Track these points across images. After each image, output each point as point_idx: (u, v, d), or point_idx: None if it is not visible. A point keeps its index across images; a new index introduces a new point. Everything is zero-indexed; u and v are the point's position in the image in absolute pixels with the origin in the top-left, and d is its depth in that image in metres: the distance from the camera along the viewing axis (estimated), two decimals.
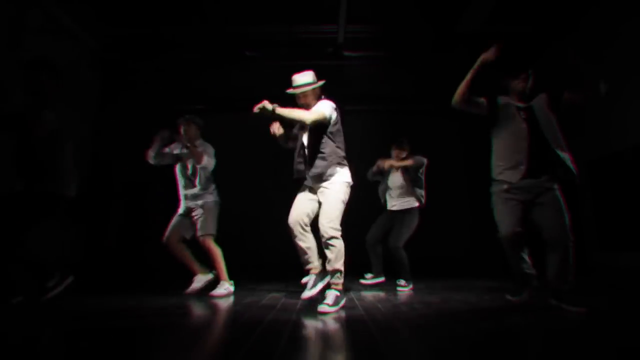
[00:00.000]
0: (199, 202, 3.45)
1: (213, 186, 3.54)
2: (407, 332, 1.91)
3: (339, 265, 2.58)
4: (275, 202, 3.86)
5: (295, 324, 2.06)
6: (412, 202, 3.84)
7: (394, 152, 3.96)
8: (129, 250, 5.66)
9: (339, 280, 2.58)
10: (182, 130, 3.57)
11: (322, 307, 2.38)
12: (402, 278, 3.68)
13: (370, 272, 3.97)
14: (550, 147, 2.44)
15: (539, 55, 5.69)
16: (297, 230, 2.73)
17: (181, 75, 6.13)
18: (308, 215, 2.76)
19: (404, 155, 3.93)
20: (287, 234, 2.80)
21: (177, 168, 3.61)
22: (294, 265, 3.33)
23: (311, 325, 2.09)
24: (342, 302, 2.52)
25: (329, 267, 2.60)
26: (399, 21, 5.46)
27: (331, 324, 2.11)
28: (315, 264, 2.79)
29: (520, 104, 2.58)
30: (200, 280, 3.41)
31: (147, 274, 5.29)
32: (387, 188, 3.97)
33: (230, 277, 3.40)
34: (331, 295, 2.48)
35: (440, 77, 6.15)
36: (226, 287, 3.31)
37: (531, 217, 2.51)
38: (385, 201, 3.99)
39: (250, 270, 4.40)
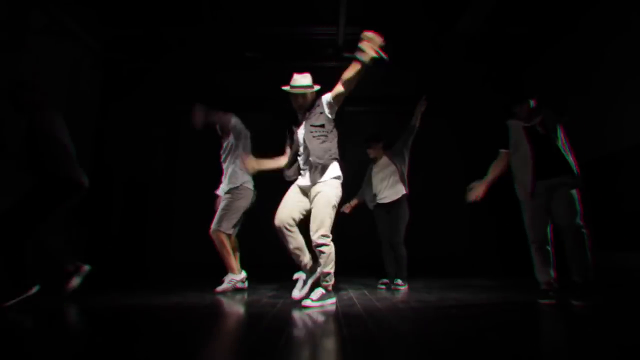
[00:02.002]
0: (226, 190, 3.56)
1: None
2: (404, 329, 1.95)
3: (329, 267, 2.65)
4: (276, 202, 3.89)
5: (295, 322, 2.11)
6: (401, 190, 3.86)
7: (370, 150, 4.01)
8: (130, 249, 5.70)
9: (327, 282, 2.66)
10: (218, 129, 3.66)
11: (305, 301, 2.50)
12: (399, 277, 3.70)
13: (386, 277, 3.86)
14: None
15: (539, 56, 5.75)
16: (283, 231, 2.72)
17: (182, 76, 6.17)
18: (296, 216, 2.76)
19: (379, 148, 3.99)
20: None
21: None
22: (293, 265, 3.38)
23: (311, 323, 2.14)
24: (328, 301, 2.60)
25: (319, 272, 2.69)
26: (399, 22, 5.50)
27: (330, 321, 2.15)
28: (305, 261, 2.78)
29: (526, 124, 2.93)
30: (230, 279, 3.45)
31: (148, 273, 5.34)
32: (372, 186, 3.97)
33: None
34: (318, 292, 2.60)
35: (440, 78, 6.22)
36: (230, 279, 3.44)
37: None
38: (374, 200, 3.99)
39: (252, 270, 4.43)
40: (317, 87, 2.85)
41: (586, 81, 4.84)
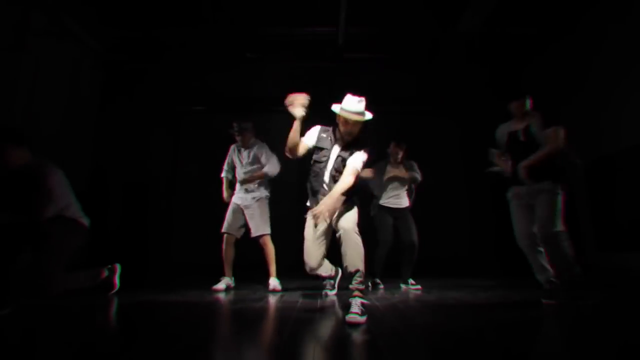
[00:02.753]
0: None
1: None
2: (404, 329, 1.95)
3: (361, 264, 2.38)
4: (277, 202, 3.90)
5: (295, 321, 2.11)
6: (407, 201, 3.99)
7: (392, 148, 3.99)
8: (130, 250, 5.70)
9: (361, 286, 2.35)
10: (238, 140, 3.80)
11: (352, 317, 2.06)
12: (410, 277, 3.79)
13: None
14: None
15: (537, 56, 5.75)
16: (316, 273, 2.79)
17: (182, 77, 6.17)
18: (325, 253, 2.72)
19: (401, 154, 3.98)
20: (297, 239, 2.80)
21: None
22: (292, 266, 3.39)
23: (310, 321, 2.14)
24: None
25: (350, 268, 2.37)
26: (399, 23, 5.50)
27: (330, 320, 2.15)
28: (332, 272, 2.99)
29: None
30: (225, 281, 3.62)
31: (148, 273, 5.33)
32: (391, 191, 3.96)
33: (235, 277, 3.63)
34: (357, 303, 2.21)
35: (440, 78, 6.22)
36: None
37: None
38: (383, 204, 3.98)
39: (252, 270, 4.45)
40: (370, 116, 2.58)
41: (585, 81, 4.85)
